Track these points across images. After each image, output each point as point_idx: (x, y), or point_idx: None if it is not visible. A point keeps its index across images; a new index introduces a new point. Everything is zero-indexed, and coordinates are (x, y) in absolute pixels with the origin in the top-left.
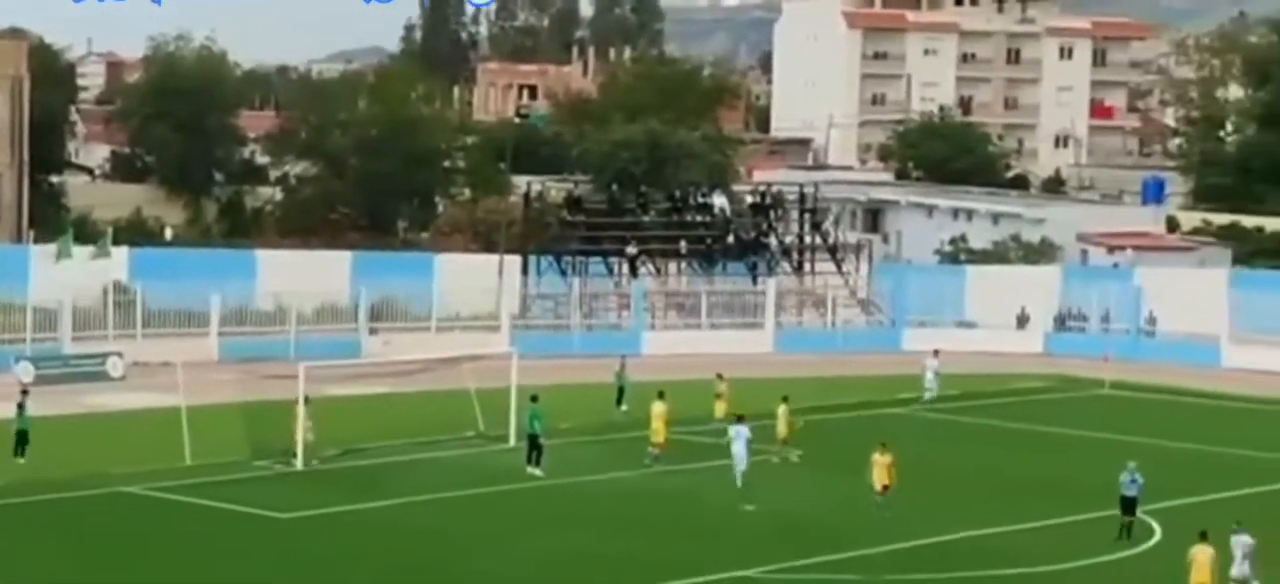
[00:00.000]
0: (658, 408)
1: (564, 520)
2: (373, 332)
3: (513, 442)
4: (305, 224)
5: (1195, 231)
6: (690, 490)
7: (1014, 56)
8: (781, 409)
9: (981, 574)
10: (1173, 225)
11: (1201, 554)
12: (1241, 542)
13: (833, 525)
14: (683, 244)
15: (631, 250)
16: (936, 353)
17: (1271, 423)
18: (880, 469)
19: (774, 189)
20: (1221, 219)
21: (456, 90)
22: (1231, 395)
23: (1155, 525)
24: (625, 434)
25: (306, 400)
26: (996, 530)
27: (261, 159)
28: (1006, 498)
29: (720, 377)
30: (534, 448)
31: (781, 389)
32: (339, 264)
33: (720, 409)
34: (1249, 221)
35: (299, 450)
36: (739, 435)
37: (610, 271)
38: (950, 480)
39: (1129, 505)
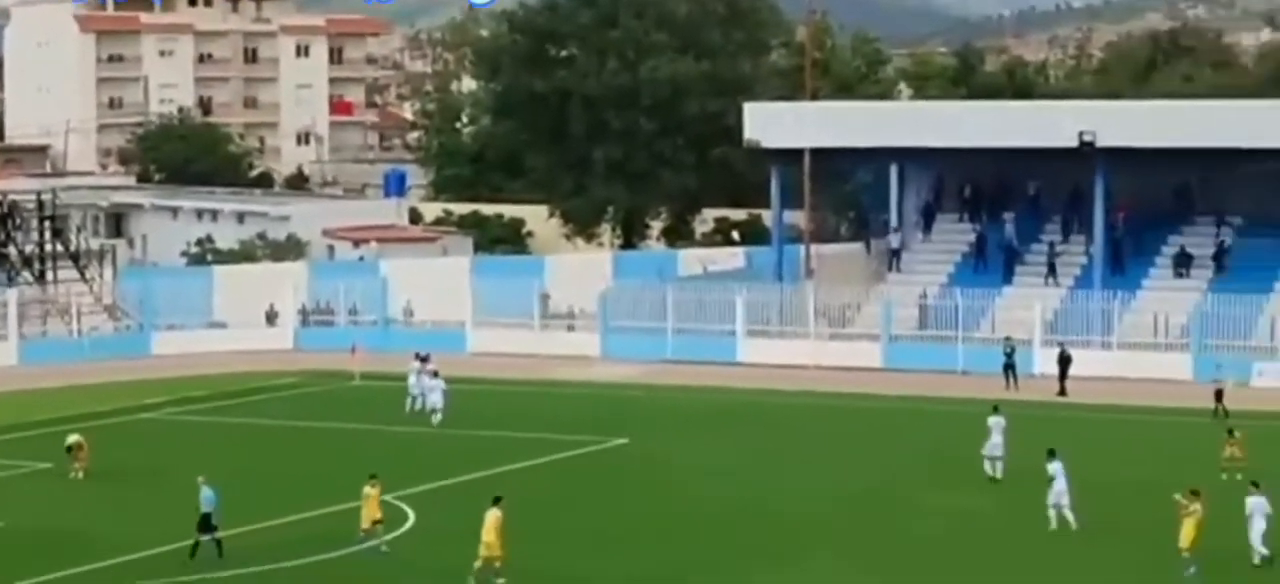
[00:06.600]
0: None
1: None
2: None
3: None
4: None
5: (438, 222)
6: None
7: (251, 56)
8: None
9: (227, 575)
10: (416, 217)
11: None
12: None
13: (80, 535)
14: None
15: None
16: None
17: (521, 402)
18: (370, 504)
19: (10, 198)
20: (462, 208)
21: None
22: (477, 379)
23: (408, 510)
24: None
25: None
26: (245, 529)
27: None
28: (256, 496)
29: None
30: None
31: (27, 404)
32: None
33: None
34: (488, 210)
35: None
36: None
37: None
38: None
39: (205, 523)
